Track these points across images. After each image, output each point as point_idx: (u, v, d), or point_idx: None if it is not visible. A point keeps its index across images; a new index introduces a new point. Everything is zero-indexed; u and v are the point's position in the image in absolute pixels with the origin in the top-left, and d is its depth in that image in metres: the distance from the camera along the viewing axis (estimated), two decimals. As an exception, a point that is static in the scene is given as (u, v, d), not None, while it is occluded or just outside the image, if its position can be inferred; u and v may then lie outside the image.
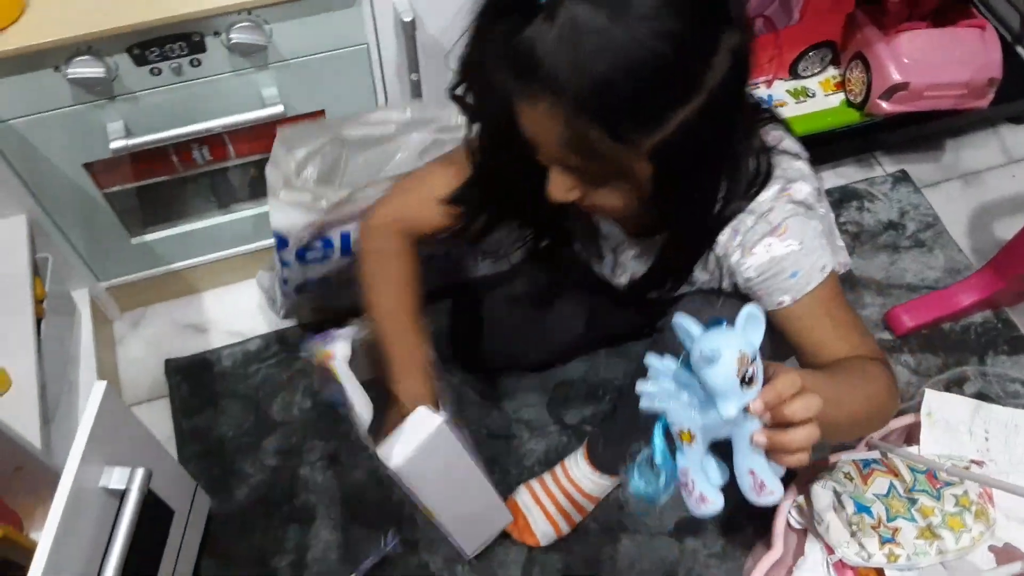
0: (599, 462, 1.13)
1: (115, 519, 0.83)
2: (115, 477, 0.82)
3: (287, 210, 1.10)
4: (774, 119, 0.84)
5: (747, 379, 0.57)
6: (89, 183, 1.14)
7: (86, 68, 0.97)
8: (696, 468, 0.62)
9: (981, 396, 1.26)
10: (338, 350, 0.95)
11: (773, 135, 0.81)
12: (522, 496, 1.17)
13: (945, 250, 1.46)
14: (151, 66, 1.01)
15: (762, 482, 0.61)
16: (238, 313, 1.38)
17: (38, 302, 1.13)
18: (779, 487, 0.61)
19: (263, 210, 1.31)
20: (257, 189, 1.34)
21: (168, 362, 1.33)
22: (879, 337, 1.35)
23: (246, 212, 1.32)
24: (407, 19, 1.04)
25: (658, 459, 0.63)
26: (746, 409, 0.58)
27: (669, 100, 0.62)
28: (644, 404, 0.62)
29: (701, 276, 0.87)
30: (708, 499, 0.63)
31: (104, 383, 0.82)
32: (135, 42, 0.98)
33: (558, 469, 1.17)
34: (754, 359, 0.57)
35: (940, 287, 1.38)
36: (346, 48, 1.09)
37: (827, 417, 0.59)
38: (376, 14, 1.06)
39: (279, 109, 1.09)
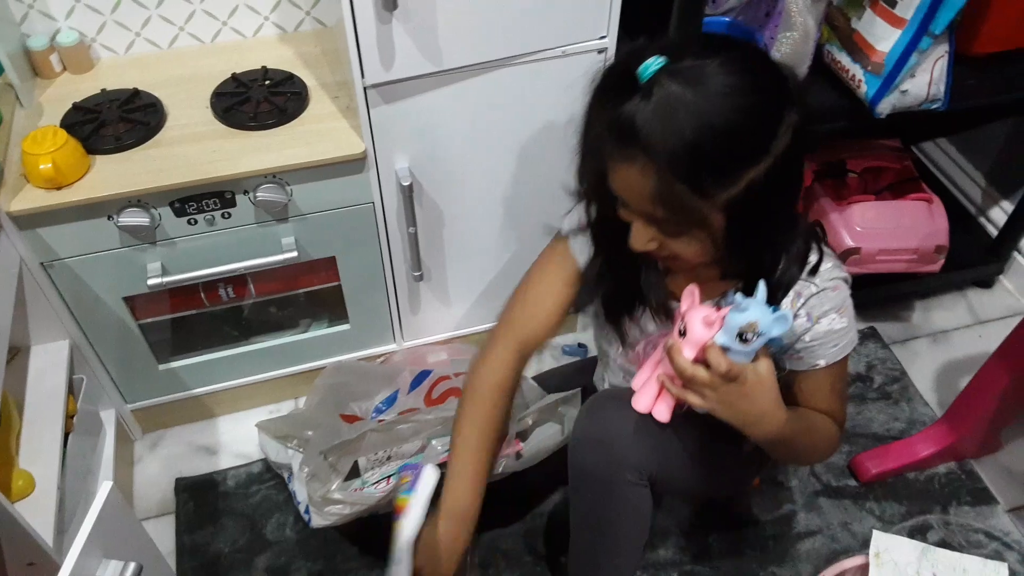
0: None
1: (107, 612, 0.92)
2: (110, 569, 0.91)
3: (329, 517, 1.17)
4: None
5: (744, 338, 0.80)
6: (127, 314, 1.31)
7: (134, 218, 1.15)
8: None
9: (944, 545, 1.30)
10: (407, 523, 0.92)
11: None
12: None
13: (911, 403, 1.54)
14: (188, 217, 1.20)
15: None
16: (247, 437, 1.50)
17: (69, 417, 1.27)
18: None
19: (277, 343, 1.47)
20: (273, 324, 1.50)
21: (178, 481, 1.45)
22: (844, 483, 1.42)
23: (263, 344, 1.47)
24: (406, 183, 1.23)
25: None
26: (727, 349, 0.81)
27: (743, 161, 0.75)
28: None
29: None
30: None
31: (110, 483, 0.93)
32: (177, 197, 1.17)
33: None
34: (760, 335, 0.80)
35: (906, 438, 1.45)
36: (355, 205, 1.28)
37: (782, 436, 0.87)
38: (381, 179, 1.25)
39: (294, 254, 1.27)
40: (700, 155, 0.74)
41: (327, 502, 1.14)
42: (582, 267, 1.02)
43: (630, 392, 0.94)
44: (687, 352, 0.83)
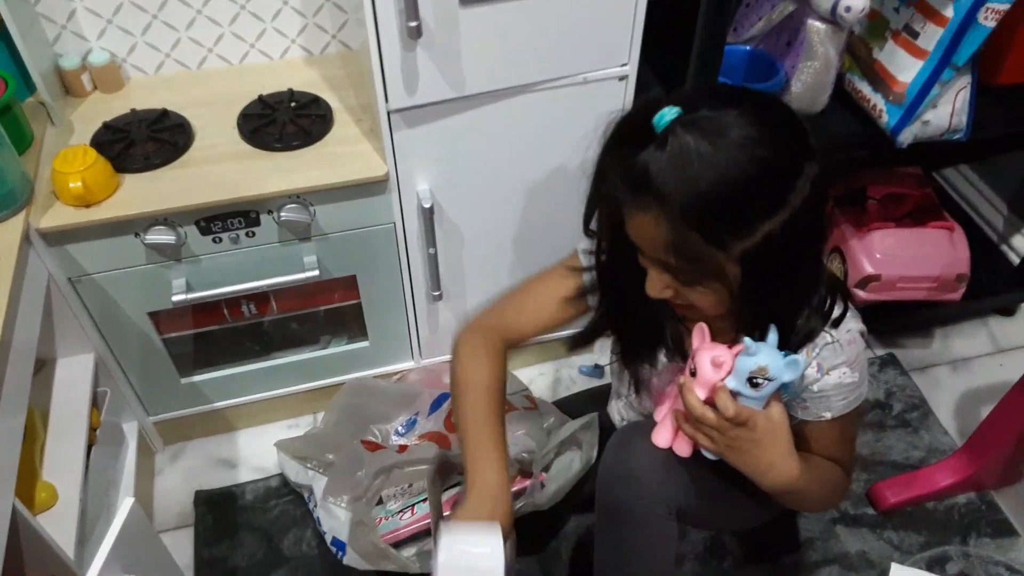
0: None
1: (125, 626, 0.93)
2: (130, 584, 0.93)
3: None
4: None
5: (754, 383, 0.80)
6: (151, 329, 1.33)
7: (161, 236, 1.18)
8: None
9: (962, 578, 1.29)
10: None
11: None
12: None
13: (931, 432, 1.52)
14: (214, 235, 1.22)
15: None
16: (266, 451, 1.52)
17: (92, 430, 1.29)
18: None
19: (297, 359, 1.49)
20: (294, 340, 1.51)
21: (198, 493, 1.46)
22: (863, 512, 1.41)
23: (283, 360, 1.49)
24: (427, 206, 1.25)
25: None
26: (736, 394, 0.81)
27: (758, 213, 0.74)
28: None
29: None
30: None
31: (132, 499, 0.95)
32: (203, 216, 1.19)
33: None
34: (770, 379, 0.80)
35: (925, 467, 1.44)
36: (377, 226, 1.29)
37: (794, 488, 0.86)
38: (402, 201, 1.26)
39: (316, 273, 1.28)
40: (714, 206, 0.73)
41: (376, 551, 1.17)
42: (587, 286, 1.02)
43: (653, 425, 0.95)
44: (699, 392, 0.83)
